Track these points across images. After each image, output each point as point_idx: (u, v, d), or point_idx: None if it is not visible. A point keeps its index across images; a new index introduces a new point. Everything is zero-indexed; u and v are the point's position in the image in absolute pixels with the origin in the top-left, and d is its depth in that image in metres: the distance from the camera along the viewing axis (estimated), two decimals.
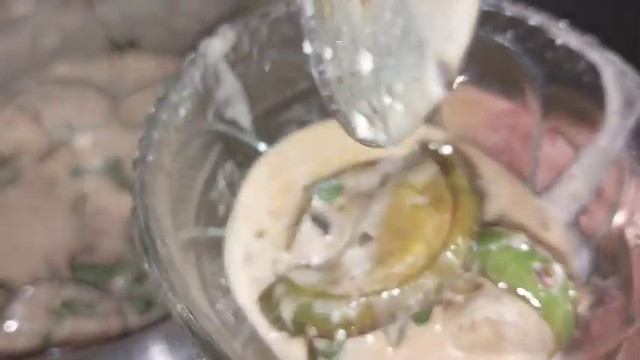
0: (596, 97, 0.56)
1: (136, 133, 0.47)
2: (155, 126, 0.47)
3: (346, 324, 0.44)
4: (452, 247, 0.45)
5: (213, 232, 0.54)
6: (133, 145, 0.46)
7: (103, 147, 0.90)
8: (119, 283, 0.79)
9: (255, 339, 0.50)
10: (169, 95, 0.49)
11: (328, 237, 0.54)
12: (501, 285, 0.45)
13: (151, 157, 0.46)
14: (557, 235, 0.56)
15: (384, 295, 0.43)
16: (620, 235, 0.53)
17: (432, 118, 0.63)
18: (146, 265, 0.41)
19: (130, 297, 0.78)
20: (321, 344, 0.50)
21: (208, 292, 0.48)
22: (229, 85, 0.56)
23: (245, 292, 0.52)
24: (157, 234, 0.42)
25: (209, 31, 0.54)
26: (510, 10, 0.58)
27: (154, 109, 0.48)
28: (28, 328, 0.72)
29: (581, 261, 0.55)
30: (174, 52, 0.95)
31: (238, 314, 0.51)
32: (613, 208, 0.54)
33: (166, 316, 0.66)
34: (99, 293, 0.76)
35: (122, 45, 1.01)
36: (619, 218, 0.54)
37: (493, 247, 0.46)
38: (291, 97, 0.62)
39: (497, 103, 0.62)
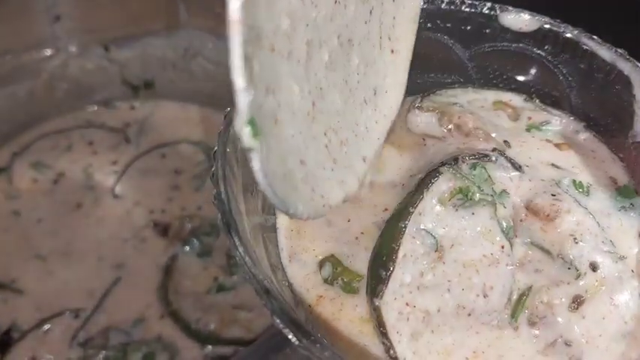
0: (627, 104, 0.61)
1: None
2: (232, 122, 0.53)
3: None
4: None
5: (271, 220, 0.60)
6: None
7: None
8: None
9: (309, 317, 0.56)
10: None
11: None
12: None
13: (228, 150, 0.52)
14: None
15: None
16: None
17: None
18: (230, 243, 0.47)
19: None
20: None
21: (274, 271, 0.54)
22: None
23: (299, 282, 0.56)
24: (238, 215, 0.48)
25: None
26: (548, 25, 0.64)
27: (229, 109, 0.54)
28: None
29: None
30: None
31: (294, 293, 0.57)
32: None
33: None
34: None
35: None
36: None
37: None
38: None
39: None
